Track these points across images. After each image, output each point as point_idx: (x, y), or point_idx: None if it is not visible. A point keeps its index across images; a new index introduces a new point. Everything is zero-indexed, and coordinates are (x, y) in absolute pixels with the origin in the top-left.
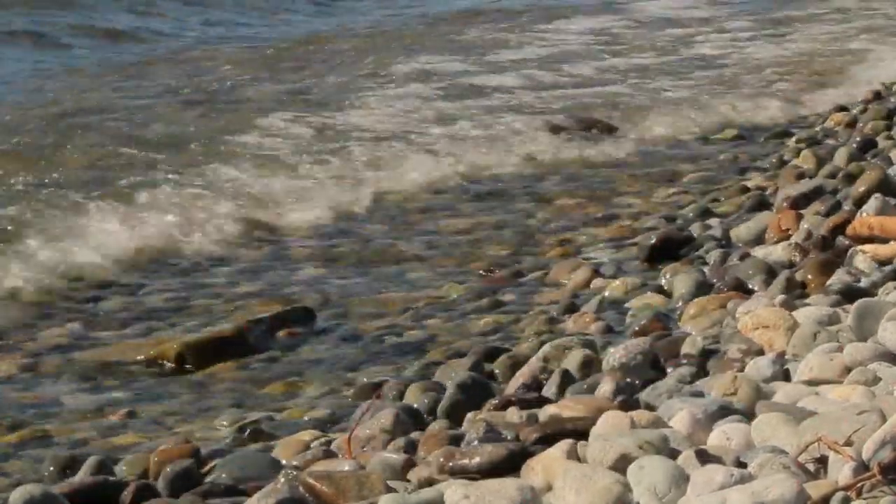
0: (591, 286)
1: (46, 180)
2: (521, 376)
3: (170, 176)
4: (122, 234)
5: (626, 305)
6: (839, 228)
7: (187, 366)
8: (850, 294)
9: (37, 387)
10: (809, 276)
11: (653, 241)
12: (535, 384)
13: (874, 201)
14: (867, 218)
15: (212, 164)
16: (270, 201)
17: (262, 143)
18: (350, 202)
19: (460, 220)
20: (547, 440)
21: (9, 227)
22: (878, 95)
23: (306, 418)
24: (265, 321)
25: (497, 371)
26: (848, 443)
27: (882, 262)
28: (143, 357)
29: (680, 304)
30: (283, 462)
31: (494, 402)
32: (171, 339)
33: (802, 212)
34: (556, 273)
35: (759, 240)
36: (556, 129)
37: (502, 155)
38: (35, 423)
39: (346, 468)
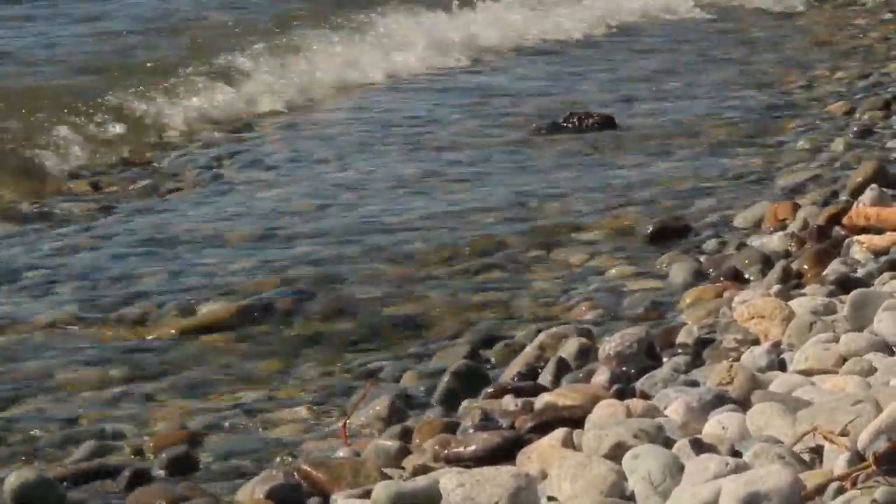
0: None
1: None
2: (517, 364)
3: None
4: None
5: (623, 294)
6: (836, 219)
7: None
8: (846, 284)
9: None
10: (806, 266)
11: (650, 230)
12: (531, 372)
13: (870, 192)
14: (864, 208)
15: None
16: None
17: None
18: None
19: None
20: (542, 428)
21: None
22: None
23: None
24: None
25: (493, 359)
26: (843, 433)
27: (878, 253)
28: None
29: (676, 292)
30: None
31: (490, 389)
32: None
33: (799, 202)
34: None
35: (755, 229)
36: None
37: None
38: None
39: (342, 455)
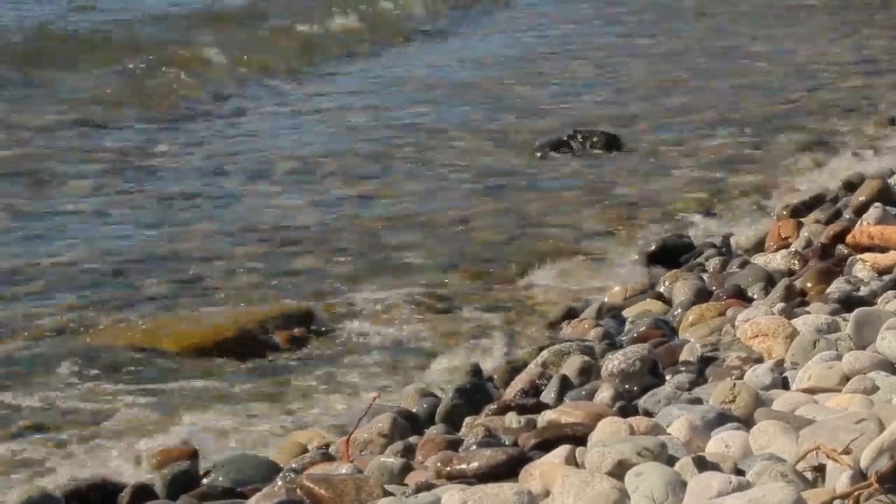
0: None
1: None
2: (520, 382)
3: None
4: None
5: (625, 312)
6: (839, 237)
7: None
8: (849, 303)
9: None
10: (809, 285)
11: (652, 248)
12: (534, 390)
13: (874, 210)
14: (867, 227)
15: None
16: None
17: None
18: None
19: None
20: (545, 446)
21: None
22: None
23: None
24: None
25: (496, 376)
26: (846, 451)
27: (881, 272)
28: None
29: (679, 311)
30: (282, 465)
31: (493, 407)
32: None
33: (802, 220)
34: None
35: (758, 248)
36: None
37: None
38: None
39: (344, 472)
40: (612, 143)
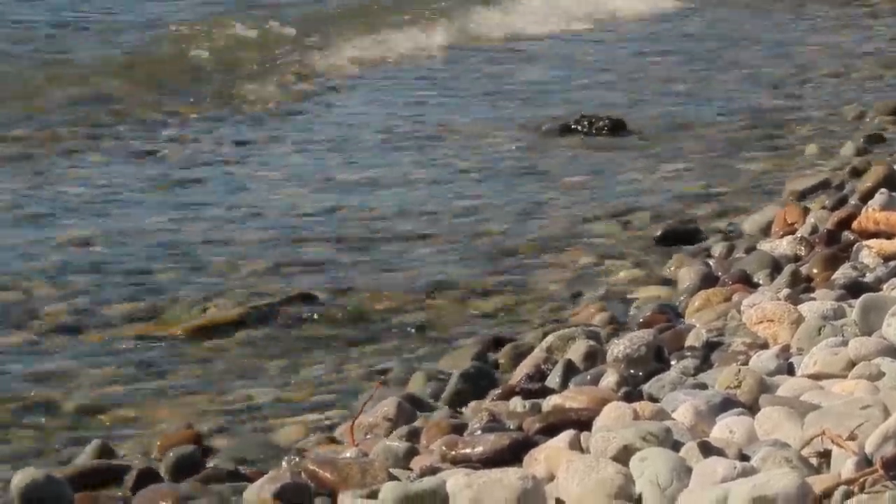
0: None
1: None
2: (525, 366)
3: None
4: None
5: (631, 296)
6: (845, 223)
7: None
8: (855, 289)
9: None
10: (815, 271)
11: (659, 233)
12: (539, 374)
13: (880, 196)
14: (873, 213)
15: None
16: None
17: None
18: None
19: None
20: (550, 430)
21: None
22: None
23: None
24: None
25: (501, 361)
26: (851, 437)
27: (887, 258)
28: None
29: (685, 296)
30: (287, 448)
31: (498, 391)
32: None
33: (808, 206)
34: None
35: (764, 233)
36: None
37: None
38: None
39: (349, 455)
40: (618, 129)
